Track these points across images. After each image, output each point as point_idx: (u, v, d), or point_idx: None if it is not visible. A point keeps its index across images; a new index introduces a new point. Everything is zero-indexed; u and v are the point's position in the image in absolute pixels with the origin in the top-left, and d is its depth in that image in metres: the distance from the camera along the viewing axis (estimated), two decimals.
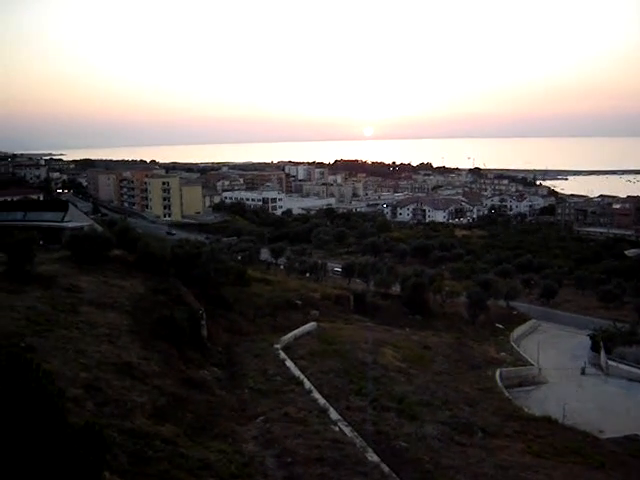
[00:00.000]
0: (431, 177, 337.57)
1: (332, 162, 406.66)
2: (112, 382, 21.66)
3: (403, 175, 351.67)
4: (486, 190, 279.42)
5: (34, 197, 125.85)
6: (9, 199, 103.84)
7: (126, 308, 31.87)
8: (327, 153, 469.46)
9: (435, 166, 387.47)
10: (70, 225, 63.65)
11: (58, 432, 8.36)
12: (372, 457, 21.28)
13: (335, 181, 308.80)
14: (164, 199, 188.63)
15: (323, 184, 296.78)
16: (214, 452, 19.05)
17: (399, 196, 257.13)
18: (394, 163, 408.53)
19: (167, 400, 22.53)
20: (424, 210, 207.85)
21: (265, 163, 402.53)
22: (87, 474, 8.44)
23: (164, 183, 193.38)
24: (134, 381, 22.91)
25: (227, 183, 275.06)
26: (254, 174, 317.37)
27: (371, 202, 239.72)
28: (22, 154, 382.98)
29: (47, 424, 8.23)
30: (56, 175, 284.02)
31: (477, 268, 78.98)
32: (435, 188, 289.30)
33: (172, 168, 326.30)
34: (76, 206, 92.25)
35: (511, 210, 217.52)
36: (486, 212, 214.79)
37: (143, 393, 22.06)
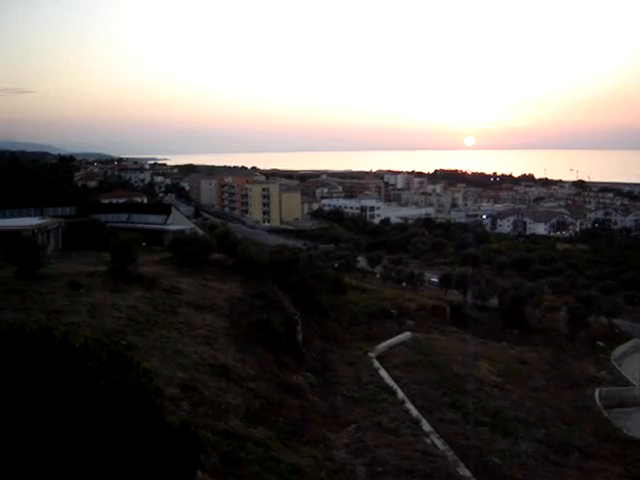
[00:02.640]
0: (533, 189, 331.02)
1: (432, 171, 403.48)
2: (208, 383, 22.01)
3: (504, 186, 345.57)
4: (590, 203, 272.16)
5: (138, 200, 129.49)
6: (115, 201, 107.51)
7: (224, 311, 32.36)
8: (427, 162, 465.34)
9: (537, 177, 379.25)
10: (172, 228, 65.34)
11: (155, 429, 8.55)
12: (464, 471, 20.92)
13: (434, 191, 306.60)
14: (264, 205, 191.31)
15: (422, 193, 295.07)
16: (305, 457, 19.12)
17: (499, 207, 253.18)
18: (495, 174, 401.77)
19: (261, 403, 22.74)
20: (525, 222, 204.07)
21: (364, 171, 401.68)
22: (181, 472, 8.59)
23: (264, 189, 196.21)
24: (229, 383, 23.22)
25: (326, 190, 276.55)
26: (353, 182, 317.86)
27: (470, 213, 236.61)
28: (128, 158, 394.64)
29: (144, 421, 8.42)
30: (160, 179, 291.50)
31: (578, 283, 76.67)
32: (537, 200, 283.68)
33: (272, 174, 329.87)
34: (178, 210, 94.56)
35: (615, 224, 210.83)
36: (589, 226, 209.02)
37: (238, 395, 22.34)
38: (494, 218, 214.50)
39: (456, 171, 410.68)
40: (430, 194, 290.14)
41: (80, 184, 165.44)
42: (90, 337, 9.93)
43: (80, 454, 7.69)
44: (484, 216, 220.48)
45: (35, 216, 64.88)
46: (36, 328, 8.97)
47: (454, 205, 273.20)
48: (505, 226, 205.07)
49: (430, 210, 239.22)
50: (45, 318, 22.97)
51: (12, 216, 66.58)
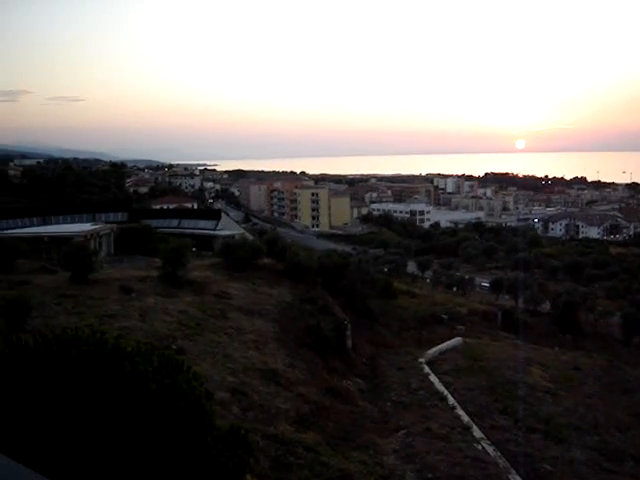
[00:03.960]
0: (585, 192, 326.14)
1: (482, 175, 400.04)
2: (257, 387, 22.08)
3: (556, 189, 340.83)
4: None
5: (188, 205, 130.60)
6: (165, 207, 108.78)
7: (273, 316, 32.46)
8: (477, 166, 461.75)
9: (589, 180, 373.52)
10: (222, 233, 65.93)
11: (205, 433, 8.59)
12: (515, 478, 20.64)
13: (485, 194, 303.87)
14: (313, 209, 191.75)
15: (472, 197, 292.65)
16: (355, 462, 19.05)
17: (551, 211, 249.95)
18: (546, 177, 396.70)
19: (310, 408, 22.73)
20: (577, 226, 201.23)
21: (413, 175, 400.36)
22: (231, 476, 8.62)
23: (313, 194, 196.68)
24: (279, 388, 23.26)
25: (375, 195, 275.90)
26: (402, 186, 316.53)
27: (522, 216, 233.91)
28: (178, 164, 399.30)
29: (195, 425, 8.47)
30: (210, 185, 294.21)
31: (633, 288, 75.23)
32: (589, 203, 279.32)
33: (321, 179, 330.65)
34: (228, 215, 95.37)
35: None
36: None
37: (287, 400, 22.37)
38: (546, 222, 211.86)
39: (507, 174, 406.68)
40: (480, 198, 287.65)
41: (131, 190, 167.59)
42: (141, 341, 10.03)
43: (132, 457, 7.75)
44: (536, 220, 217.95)
45: (87, 222, 65.94)
46: (89, 332, 9.08)
47: (505, 209, 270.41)
48: (557, 230, 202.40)
49: (481, 214, 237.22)
50: (97, 322, 23.29)
51: (65, 222, 67.79)
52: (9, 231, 58.55)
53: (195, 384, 8.94)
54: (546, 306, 58.34)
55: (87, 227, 59.50)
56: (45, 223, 68.08)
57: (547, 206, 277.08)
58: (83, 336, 8.83)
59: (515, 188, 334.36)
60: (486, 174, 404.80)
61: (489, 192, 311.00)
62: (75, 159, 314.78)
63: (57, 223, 67.42)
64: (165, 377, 8.59)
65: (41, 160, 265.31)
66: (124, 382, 8.13)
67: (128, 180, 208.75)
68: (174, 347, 22.46)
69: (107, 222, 66.29)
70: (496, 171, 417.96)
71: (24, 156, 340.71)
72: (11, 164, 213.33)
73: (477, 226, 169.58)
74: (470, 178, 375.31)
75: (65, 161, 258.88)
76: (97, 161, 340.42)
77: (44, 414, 7.72)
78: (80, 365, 8.23)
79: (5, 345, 8.82)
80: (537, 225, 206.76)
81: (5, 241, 39.98)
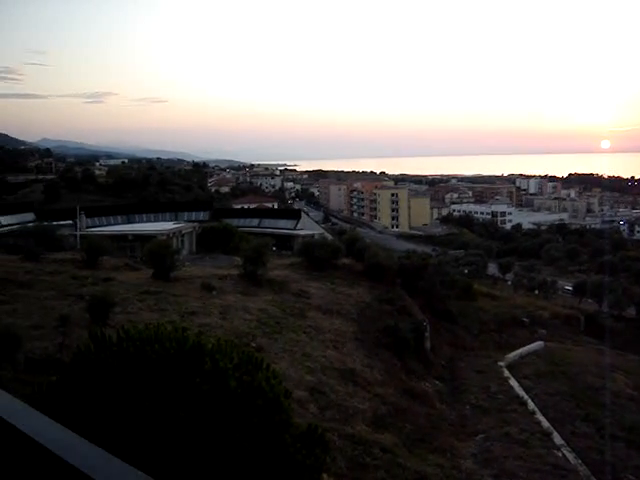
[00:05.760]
0: None
1: (565, 176, 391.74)
2: (335, 387, 22.14)
3: None
4: None
5: (269, 205, 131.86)
6: (246, 206, 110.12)
7: (352, 315, 32.47)
8: (560, 166, 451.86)
9: None
10: (302, 233, 66.35)
11: (283, 431, 8.66)
12: None
13: (568, 195, 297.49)
14: (392, 210, 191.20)
15: (555, 198, 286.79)
16: (431, 465, 18.93)
17: (638, 213, 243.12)
18: (633, 178, 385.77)
19: (387, 409, 22.68)
20: None
21: (495, 176, 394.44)
22: (307, 474, 8.67)
23: (393, 194, 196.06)
24: (356, 388, 23.28)
25: (455, 195, 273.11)
26: (483, 187, 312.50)
27: (607, 218, 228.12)
28: (259, 164, 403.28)
29: (273, 422, 8.54)
30: (290, 185, 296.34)
31: None
32: None
33: (401, 180, 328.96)
34: (308, 215, 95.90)
35: None
36: None
37: (365, 400, 22.37)
38: (632, 224, 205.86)
39: (591, 175, 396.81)
40: (564, 199, 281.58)
41: (213, 190, 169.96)
42: (221, 338, 10.17)
43: (211, 452, 7.87)
44: (621, 222, 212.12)
45: (170, 220, 67.38)
46: (170, 329, 9.26)
47: (589, 210, 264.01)
48: None
49: (564, 216, 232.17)
50: (179, 319, 23.72)
51: (149, 220, 69.39)
52: (95, 229, 60.33)
53: (274, 382, 9.02)
54: (631, 311, 56.80)
55: (170, 225, 60.79)
56: (129, 221, 69.92)
57: (633, 208, 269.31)
58: (165, 332, 9.02)
59: (600, 189, 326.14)
60: (569, 175, 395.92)
61: (573, 193, 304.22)
62: (158, 159, 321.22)
63: (141, 221, 69.13)
64: (244, 374, 8.70)
65: (125, 160, 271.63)
66: (204, 378, 8.26)
67: (210, 180, 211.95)
68: (253, 345, 22.69)
69: (189, 221, 67.64)
70: (580, 172, 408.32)
71: (109, 156, 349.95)
72: (97, 164, 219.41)
73: (560, 228, 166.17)
74: (553, 179, 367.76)
75: (149, 161, 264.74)
76: (180, 161, 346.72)
77: (127, 408, 7.90)
78: (161, 361, 8.40)
79: (90, 339, 9.07)
80: (623, 227, 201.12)
81: (91, 238, 41.10)
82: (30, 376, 15.12)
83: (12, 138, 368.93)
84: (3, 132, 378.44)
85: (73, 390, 8.29)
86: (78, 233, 52.83)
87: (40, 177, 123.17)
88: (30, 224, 52.27)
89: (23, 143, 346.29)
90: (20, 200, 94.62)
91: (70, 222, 58.24)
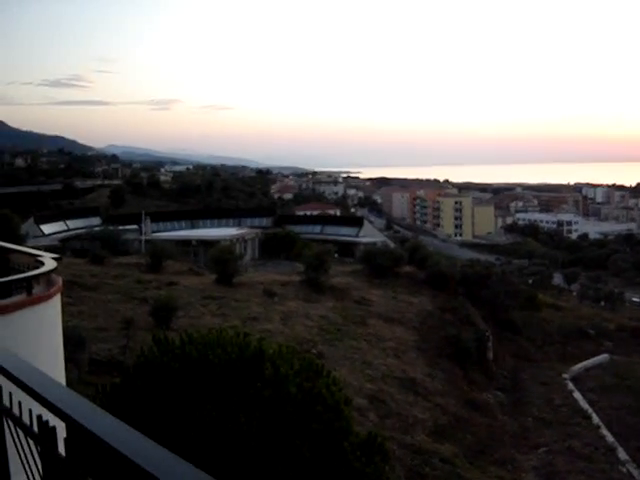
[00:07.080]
0: None
1: (634, 185, 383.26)
2: (395, 396, 22.05)
3: None
4: None
5: (331, 212, 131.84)
6: (309, 213, 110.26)
7: (413, 324, 32.32)
8: (629, 175, 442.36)
9: None
10: (364, 240, 66.23)
11: (342, 438, 8.64)
12: None
13: (636, 205, 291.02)
14: (455, 218, 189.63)
15: (623, 208, 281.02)
16: (492, 478, 18.71)
17: None
18: None
19: (448, 419, 22.50)
20: None
21: (561, 184, 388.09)
22: None
23: (456, 202, 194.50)
24: (417, 397, 23.15)
25: (520, 204, 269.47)
26: (549, 195, 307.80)
27: None
28: (322, 171, 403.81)
29: (333, 429, 8.53)
30: (352, 192, 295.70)
31: None
32: None
33: (465, 188, 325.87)
34: (370, 222, 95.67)
35: None
36: None
37: (425, 410, 22.22)
38: None
39: None
40: (632, 208, 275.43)
41: (276, 196, 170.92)
42: (283, 344, 10.22)
43: (269, 456, 7.90)
44: None
45: (233, 227, 68.02)
46: (232, 334, 9.34)
47: None
48: None
49: (632, 226, 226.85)
50: (241, 324, 23.91)
51: (212, 226, 70.08)
52: (159, 234, 61.22)
53: (334, 389, 9.02)
54: None
55: (233, 231, 61.40)
56: (193, 227, 70.70)
57: None
58: (227, 337, 9.10)
59: None
60: (638, 184, 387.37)
61: None
62: (223, 165, 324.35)
63: (204, 227, 69.82)
64: (305, 381, 8.72)
65: (190, 166, 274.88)
66: (265, 384, 8.31)
67: (273, 186, 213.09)
68: (314, 351, 22.74)
69: (252, 227, 68.15)
70: None
71: (175, 162, 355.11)
72: (162, 170, 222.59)
73: (628, 238, 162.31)
74: (621, 188, 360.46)
75: (213, 167, 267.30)
76: (244, 167, 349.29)
77: (188, 411, 7.99)
78: (223, 366, 8.47)
79: (153, 343, 9.21)
80: None
81: (155, 243, 41.73)
82: (94, 377, 15.44)
83: (80, 144, 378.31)
84: (71, 138, 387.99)
85: (136, 392, 8.43)
86: (143, 238, 53.71)
87: (106, 182, 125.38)
88: (96, 228, 53.31)
89: (91, 149, 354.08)
90: (87, 205, 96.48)
91: (135, 227, 59.28)
